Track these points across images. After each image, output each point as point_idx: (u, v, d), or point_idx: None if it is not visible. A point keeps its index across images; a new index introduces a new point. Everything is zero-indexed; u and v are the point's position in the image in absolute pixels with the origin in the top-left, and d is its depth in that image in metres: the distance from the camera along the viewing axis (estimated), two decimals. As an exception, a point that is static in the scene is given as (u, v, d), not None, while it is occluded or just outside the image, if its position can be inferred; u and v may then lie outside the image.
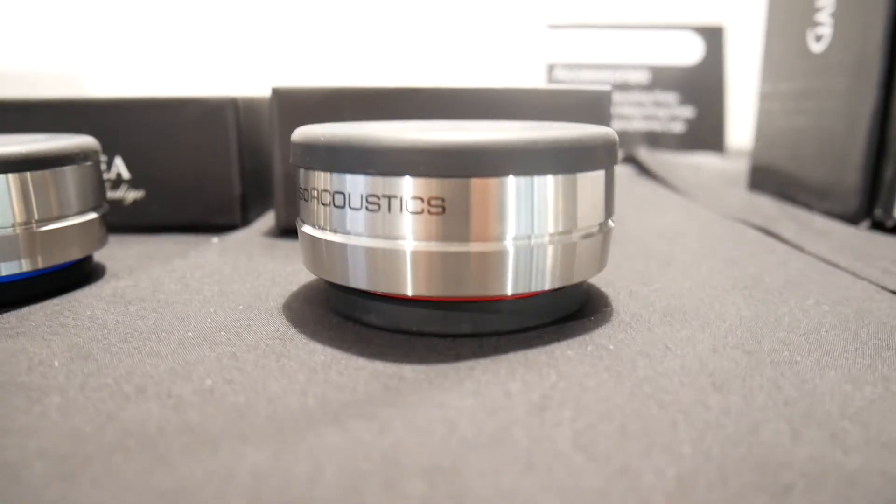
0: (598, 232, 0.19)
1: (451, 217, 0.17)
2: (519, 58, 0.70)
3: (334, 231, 0.18)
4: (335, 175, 0.17)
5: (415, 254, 0.17)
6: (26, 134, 0.25)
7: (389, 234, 0.17)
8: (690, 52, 0.58)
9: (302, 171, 0.19)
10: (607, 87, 0.29)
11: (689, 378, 0.15)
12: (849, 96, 0.33)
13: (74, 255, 0.22)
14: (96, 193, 0.23)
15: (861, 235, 0.30)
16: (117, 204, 0.31)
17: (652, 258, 0.26)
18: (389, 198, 0.17)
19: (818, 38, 0.36)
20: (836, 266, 0.25)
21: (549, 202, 0.17)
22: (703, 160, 0.56)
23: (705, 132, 0.58)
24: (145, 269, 0.24)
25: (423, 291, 0.17)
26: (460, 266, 0.17)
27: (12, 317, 0.19)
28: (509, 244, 0.17)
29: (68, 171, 0.21)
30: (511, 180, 0.17)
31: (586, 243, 0.18)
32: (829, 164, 0.35)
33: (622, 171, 0.54)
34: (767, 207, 0.35)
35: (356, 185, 0.17)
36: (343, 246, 0.18)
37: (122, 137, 0.30)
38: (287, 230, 0.30)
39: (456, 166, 0.16)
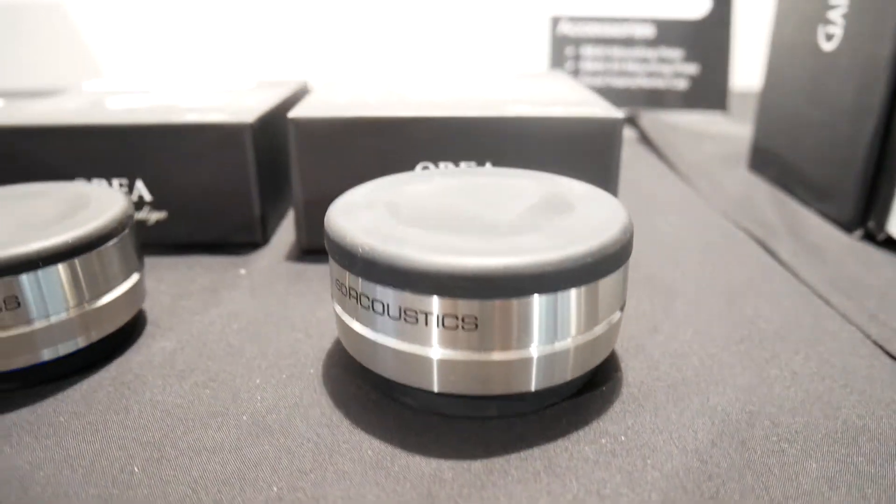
0: (616, 318, 0.20)
1: (479, 331, 0.18)
2: (522, 10, 0.69)
3: (370, 329, 0.19)
4: (373, 284, 0.19)
5: (442, 361, 0.19)
6: (37, 183, 0.26)
7: (420, 342, 0.19)
8: (697, 3, 0.57)
9: (338, 265, 0.20)
10: (619, 115, 0.30)
11: (690, 482, 0.18)
12: (855, 104, 0.33)
13: (124, 318, 0.23)
14: (136, 253, 0.24)
15: (854, 250, 0.31)
16: (141, 224, 0.32)
17: (656, 289, 0.28)
18: (426, 314, 0.18)
19: (829, 38, 0.36)
20: (827, 302, 0.27)
21: (573, 312, 0.19)
22: (705, 121, 0.56)
23: (709, 90, 0.58)
24: (185, 321, 0.26)
25: (451, 390, 0.19)
26: (486, 371, 0.19)
27: (77, 395, 0.21)
28: (534, 351, 0.19)
29: (111, 246, 0.22)
30: (537, 299, 0.18)
31: (606, 332, 0.20)
32: (829, 165, 0.36)
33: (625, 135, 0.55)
34: (766, 209, 0.37)
35: (393, 297, 0.18)
36: (376, 344, 0.19)
37: (143, 161, 0.31)
38: (308, 251, 0.31)
39: (487, 290, 0.18)
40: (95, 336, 0.22)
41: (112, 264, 0.23)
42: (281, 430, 0.20)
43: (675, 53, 0.58)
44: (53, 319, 0.21)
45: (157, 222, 0.32)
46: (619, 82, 0.59)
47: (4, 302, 0.20)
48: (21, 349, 0.21)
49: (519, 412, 0.20)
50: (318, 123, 0.29)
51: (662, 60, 0.58)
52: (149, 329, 0.25)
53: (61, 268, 0.21)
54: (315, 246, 0.31)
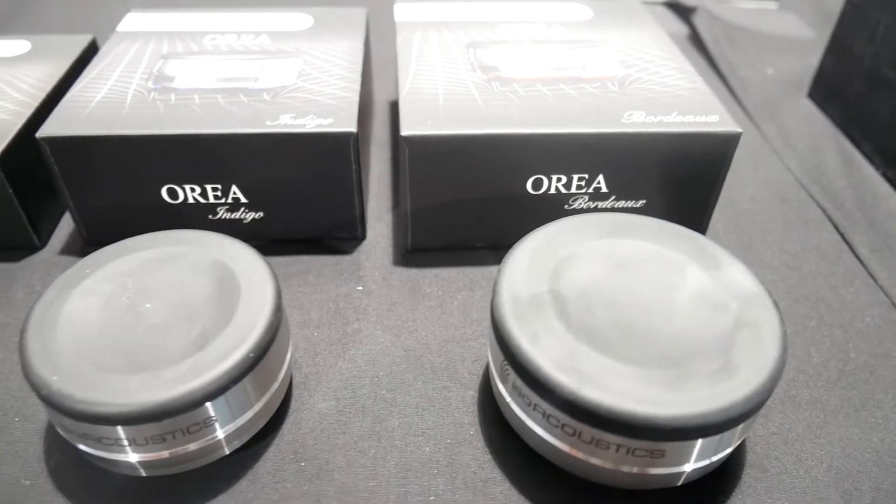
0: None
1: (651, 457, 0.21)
2: None
3: (562, 442, 0.21)
4: (567, 416, 0.20)
5: (623, 473, 0.21)
6: (160, 234, 0.25)
7: (604, 460, 0.21)
8: None
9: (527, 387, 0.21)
10: (737, 129, 0.29)
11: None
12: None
13: (284, 389, 0.24)
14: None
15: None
16: (237, 222, 0.31)
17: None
18: (617, 446, 0.20)
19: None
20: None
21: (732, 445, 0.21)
22: (761, 17, 0.53)
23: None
24: (329, 365, 0.27)
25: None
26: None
27: (267, 466, 0.23)
28: (687, 467, 0.21)
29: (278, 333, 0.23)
30: (700, 442, 0.20)
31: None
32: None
33: (678, 31, 0.51)
34: (837, 174, 0.37)
35: (588, 430, 0.20)
36: (565, 453, 0.22)
37: (238, 167, 0.29)
38: (414, 249, 0.32)
39: (666, 435, 0.20)
40: (267, 415, 0.24)
41: (280, 350, 0.23)
42: (469, 515, 0.22)
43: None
44: (240, 422, 0.22)
45: (254, 220, 0.31)
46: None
47: (199, 424, 0.21)
48: (209, 454, 0.22)
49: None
50: (431, 140, 0.28)
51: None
52: (298, 378, 0.26)
53: (247, 382, 0.22)
54: (418, 247, 0.32)
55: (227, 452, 0.23)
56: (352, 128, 0.29)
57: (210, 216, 0.31)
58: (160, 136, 0.28)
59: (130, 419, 0.20)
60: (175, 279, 0.23)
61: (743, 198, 0.36)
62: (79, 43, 0.37)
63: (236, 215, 0.31)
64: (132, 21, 0.37)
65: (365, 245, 0.32)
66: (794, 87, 0.45)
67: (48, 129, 0.28)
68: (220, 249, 0.24)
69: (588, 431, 0.20)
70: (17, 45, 0.36)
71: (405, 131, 0.28)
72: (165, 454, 0.21)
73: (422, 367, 0.27)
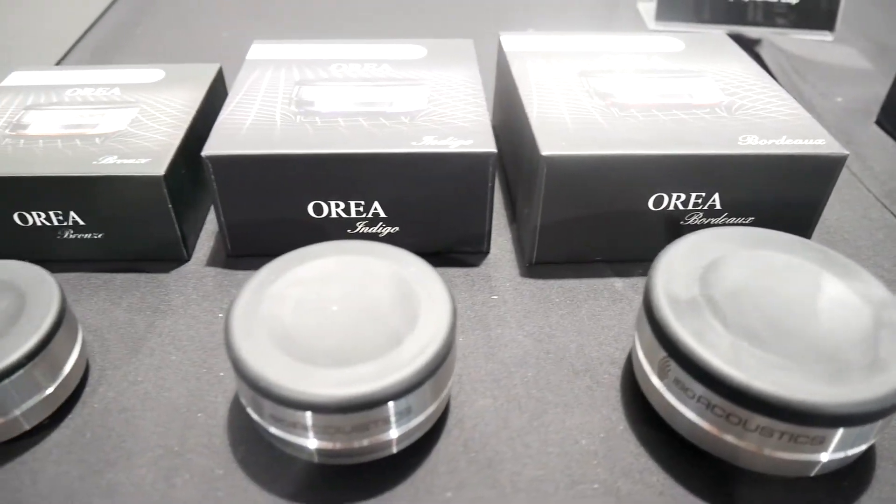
0: None
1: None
2: None
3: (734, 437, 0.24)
4: (740, 408, 0.22)
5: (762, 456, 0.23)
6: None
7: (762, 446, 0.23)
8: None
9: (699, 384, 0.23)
10: (844, 151, 0.31)
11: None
12: None
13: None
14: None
15: None
16: (373, 236, 0.33)
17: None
18: (781, 433, 0.22)
19: None
20: None
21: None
22: (819, 47, 0.56)
23: (818, 7, 0.57)
24: (477, 376, 0.29)
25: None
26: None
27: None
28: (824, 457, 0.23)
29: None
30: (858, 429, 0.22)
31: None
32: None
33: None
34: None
35: (753, 416, 0.22)
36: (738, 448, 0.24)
37: (382, 184, 0.32)
38: (537, 262, 0.34)
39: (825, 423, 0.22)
40: (438, 413, 0.26)
41: (453, 353, 0.25)
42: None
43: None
44: (415, 421, 0.24)
45: (388, 234, 0.34)
46: (732, -6, 0.57)
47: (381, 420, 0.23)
48: (381, 450, 0.24)
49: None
50: (567, 160, 0.30)
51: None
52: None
53: (428, 384, 0.24)
54: (541, 260, 0.34)
55: (396, 451, 0.25)
56: (491, 148, 0.31)
57: (349, 230, 0.33)
58: (314, 156, 0.31)
59: (319, 408, 0.22)
60: (356, 285, 0.26)
61: (831, 216, 0.39)
62: (209, 71, 0.40)
63: (374, 229, 0.33)
64: (258, 51, 0.40)
65: (490, 258, 0.35)
66: (863, 114, 0.47)
67: (211, 149, 0.31)
68: (393, 259, 0.27)
69: (755, 420, 0.22)
70: (152, 73, 0.39)
71: (545, 151, 0.30)
72: (343, 445, 0.23)
73: (564, 368, 0.29)
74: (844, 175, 0.42)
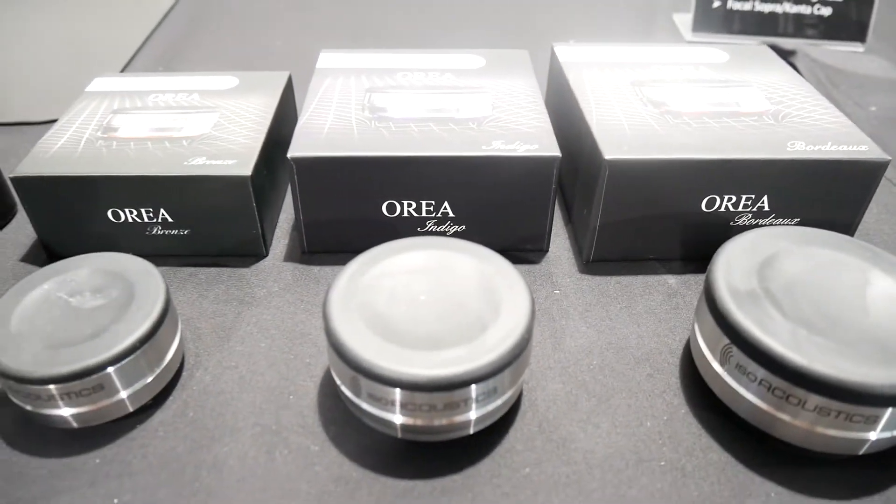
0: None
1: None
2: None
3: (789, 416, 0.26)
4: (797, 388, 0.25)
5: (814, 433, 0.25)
6: None
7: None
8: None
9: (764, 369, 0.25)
10: (886, 157, 0.33)
11: None
12: None
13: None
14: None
15: None
16: (441, 234, 0.36)
17: None
18: (838, 412, 0.24)
19: None
20: None
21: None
22: (853, 59, 0.58)
23: (850, 19, 0.59)
24: (546, 363, 0.31)
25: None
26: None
27: (521, 441, 0.27)
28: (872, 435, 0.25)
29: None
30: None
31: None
32: None
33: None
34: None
35: (812, 396, 0.24)
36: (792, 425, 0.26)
37: (453, 185, 0.34)
38: (593, 260, 0.36)
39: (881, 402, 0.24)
40: (514, 398, 0.28)
41: (531, 342, 0.28)
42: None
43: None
44: (493, 404, 0.26)
45: (454, 233, 0.36)
46: (765, 7, 0.59)
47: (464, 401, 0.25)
48: (459, 430, 0.26)
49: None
50: (629, 164, 0.33)
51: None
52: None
53: (507, 370, 0.26)
54: (598, 258, 0.36)
55: (472, 431, 0.27)
56: (555, 152, 0.33)
57: (419, 228, 0.36)
58: (391, 158, 0.33)
59: (412, 386, 0.24)
60: (440, 277, 0.28)
61: (869, 218, 0.40)
62: (280, 78, 0.42)
63: (442, 228, 0.36)
64: (327, 59, 0.43)
65: (549, 256, 0.37)
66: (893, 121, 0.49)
67: (295, 151, 0.33)
68: (472, 253, 0.29)
69: (813, 399, 0.24)
70: (226, 80, 0.42)
71: (608, 155, 0.32)
72: (424, 422, 0.25)
73: (626, 357, 0.31)
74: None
